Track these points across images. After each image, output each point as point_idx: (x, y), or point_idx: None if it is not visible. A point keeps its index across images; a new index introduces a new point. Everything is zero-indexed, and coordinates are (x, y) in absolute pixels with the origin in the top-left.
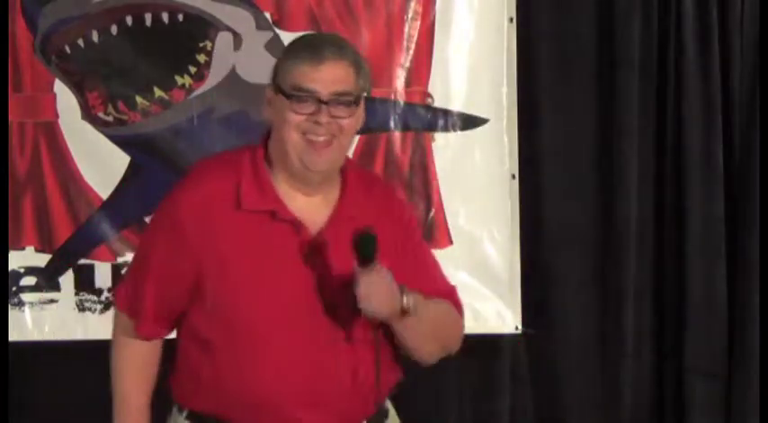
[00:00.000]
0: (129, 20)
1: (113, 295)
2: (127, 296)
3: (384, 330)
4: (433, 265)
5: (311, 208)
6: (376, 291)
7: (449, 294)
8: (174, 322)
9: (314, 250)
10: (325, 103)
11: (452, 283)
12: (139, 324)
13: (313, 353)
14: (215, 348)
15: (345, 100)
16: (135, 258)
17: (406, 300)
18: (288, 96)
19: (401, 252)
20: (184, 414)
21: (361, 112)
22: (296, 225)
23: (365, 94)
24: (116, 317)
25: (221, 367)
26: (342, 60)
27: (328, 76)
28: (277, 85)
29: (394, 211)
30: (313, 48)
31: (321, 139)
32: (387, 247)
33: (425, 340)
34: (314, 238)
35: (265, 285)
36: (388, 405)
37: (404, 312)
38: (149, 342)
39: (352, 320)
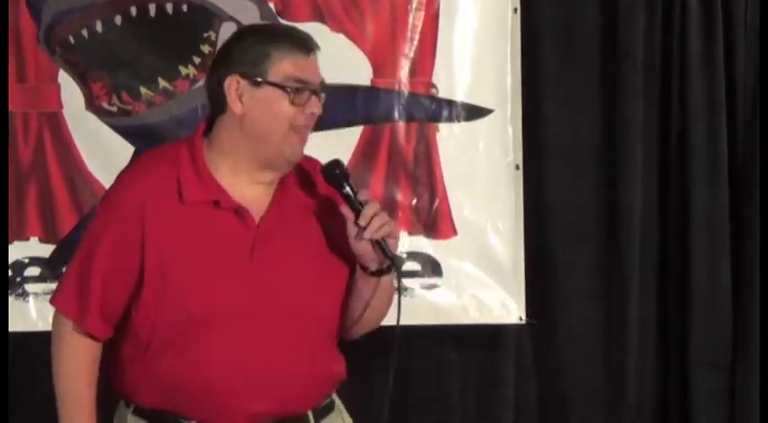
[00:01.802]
0: (133, 10)
1: (54, 293)
2: (73, 293)
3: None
4: None
5: (255, 196)
6: (377, 209)
7: None
8: (117, 318)
9: (260, 237)
10: (316, 93)
11: (457, 273)
12: (87, 321)
13: (259, 343)
14: (159, 343)
15: (325, 89)
16: (79, 253)
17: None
18: (282, 87)
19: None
20: (131, 408)
21: None
22: (240, 213)
23: None
24: (57, 314)
25: (166, 361)
26: (316, 51)
27: (315, 67)
28: (259, 76)
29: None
30: (299, 40)
31: (306, 129)
32: (336, 225)
33: (383, 305)
34: (258, 225)
35: (211, 276)
36: (334, 397)
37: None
38: (95, 339)
39: (300, 310)
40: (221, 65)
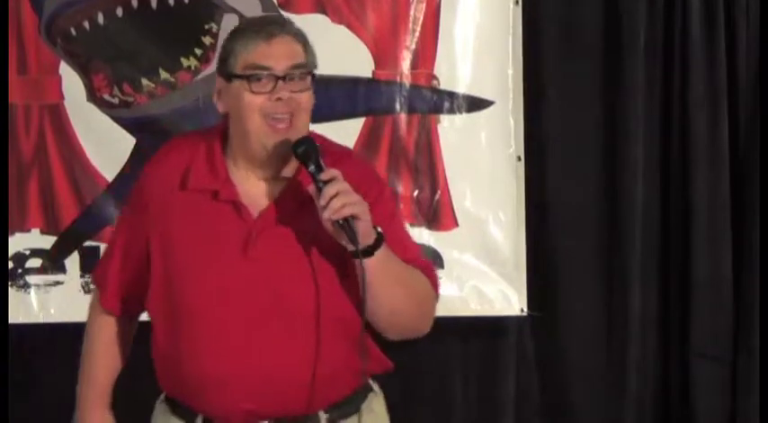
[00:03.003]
0: (134, 2)
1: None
2: (99, 268)
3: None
4: (407, 240)
5: (263, 191)
6: (340, 188)
7: (424, 267)
8: (137, 302)
9: (255, 233)
10: (282, 78)
11: (459, 265)
12: (102, 296)
13: (251, 339)
14: (164, 332)
15: (301, 72)
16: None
17: (377, 231)
18: (243, 77)
19: None
20: (162, 397)
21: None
22: (236, 206)
23: (314, 69)
24: (93, 293)
25: (171, 350)
26: (288, 35)
27: (281, 52)
28: (228, 72)
29: (361, 187)
30: (259, 27)
31: (282, 117)
32: None
33: (394, 299)
34: (256, 220)
35: (205, 268)
36: (363, 399)
37: (376, 243)
38: (116, 318)
39: (294, 307)
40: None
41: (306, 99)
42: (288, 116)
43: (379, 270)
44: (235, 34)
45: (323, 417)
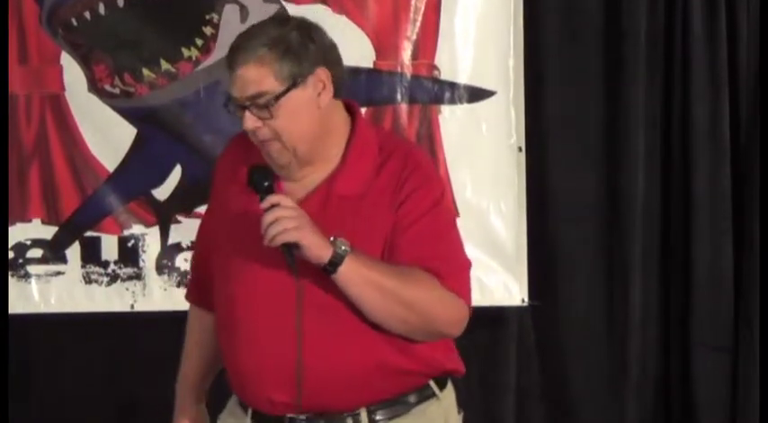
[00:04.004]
0: None
1: None
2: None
3: None
4: (429, 241)
5: (299, 189)
6: (279, 215)
7: (443, 271)
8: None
9: None
10: (246, 107)
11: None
12: (188, 287)
13: (287, 333)
14: (218, 325)
15: (258, 102)
16: None
17: (340, 241)
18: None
19: (394, 223)
20: None
21: (300, 103)
22: None
23: (312, 74)
24: None
25: (221, 342)
26: (248, 62)
27: (240, 82)
28: None
29: (397, 181)
30: (228, 55)
31: (266, 140)
32: (376, 218)
33: (374, 304)
34: None
35: (245, 261)
36: (427, 399)
37: (338, 256)
38: (205, 311)
39: (324, 302)
40: None
41: (281, 125)
42: (271, 138)
43: (348, 282)
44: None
45: (363, 414)
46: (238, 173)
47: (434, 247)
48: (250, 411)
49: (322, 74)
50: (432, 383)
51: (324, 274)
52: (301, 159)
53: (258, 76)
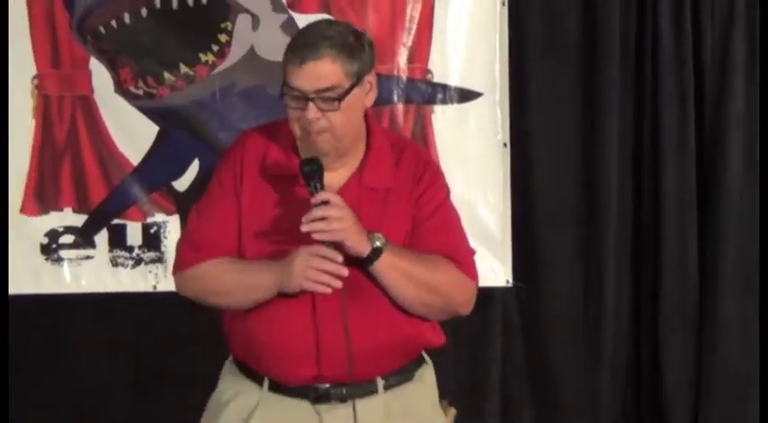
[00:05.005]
0: (157, 2)
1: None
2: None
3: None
4: (445, 231)
5: (335, 179)
6: (327, 214)
7: (459, 258)
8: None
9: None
10: (311, 99)
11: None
12: (199, 254)
13: (318, 310)
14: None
15: (328, 96)
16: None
17: (376, 237)
18: (286, 91)
19: (414, 214)
20: (231, 358)
21: (356, 100)
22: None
23: (367, 74)
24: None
25: (246, 318)
26: (321, 59)
27: (310, 75)
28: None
29: (416, 176)
30: (296, 49)
31: (318, 129)
32: (400, 208)
33: (407, 293)
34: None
35: (277, 243)
36: (416, 366)
37: (376, 251)
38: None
39: (359, 280)
40: None
41: (338, 118)
42: (325, 130)
43: (383, 273)
44: (287, 48)
45: (380, 382)
46: (267, 163)
47: (451, 237)
48: (267, 382)
49: (371, 76)
50: (423, 351)
51: (360, 265)
52: (341, 151)
53: (332, 71)
